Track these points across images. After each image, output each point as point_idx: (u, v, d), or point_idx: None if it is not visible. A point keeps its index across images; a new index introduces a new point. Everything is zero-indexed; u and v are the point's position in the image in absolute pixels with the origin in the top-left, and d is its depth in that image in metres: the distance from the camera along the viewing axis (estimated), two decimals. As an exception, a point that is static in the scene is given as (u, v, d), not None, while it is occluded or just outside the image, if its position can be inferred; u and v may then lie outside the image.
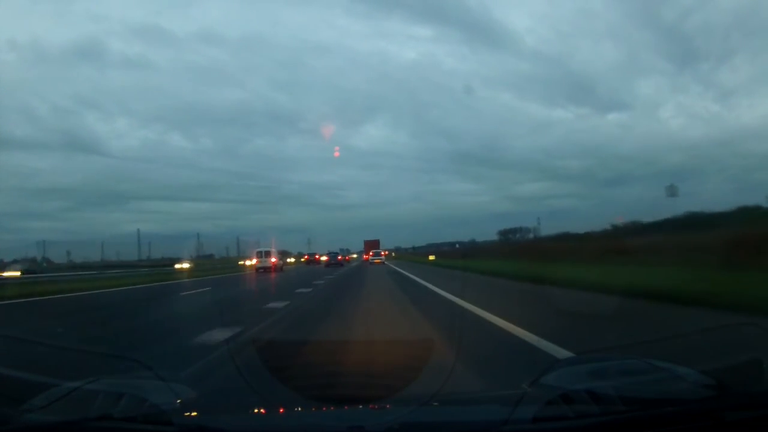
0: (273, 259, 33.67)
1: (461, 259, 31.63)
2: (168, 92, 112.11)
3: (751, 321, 2.55)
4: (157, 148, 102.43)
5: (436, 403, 1.79)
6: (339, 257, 44.23)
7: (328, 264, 38.82)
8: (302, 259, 55.22)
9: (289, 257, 54.17)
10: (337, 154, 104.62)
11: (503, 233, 71.29)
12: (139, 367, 2.04)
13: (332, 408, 1.98)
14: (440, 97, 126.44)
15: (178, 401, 1.61)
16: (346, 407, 1.96)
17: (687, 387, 1.52)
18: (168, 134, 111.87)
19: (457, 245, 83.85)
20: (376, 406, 1.87)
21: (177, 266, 32.31)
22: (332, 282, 17.40)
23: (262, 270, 31.88)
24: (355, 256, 71.42)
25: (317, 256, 50.33)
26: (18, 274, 23.26)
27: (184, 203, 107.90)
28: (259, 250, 35.50)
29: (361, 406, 1.94)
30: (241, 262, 40.64)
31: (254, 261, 34.56)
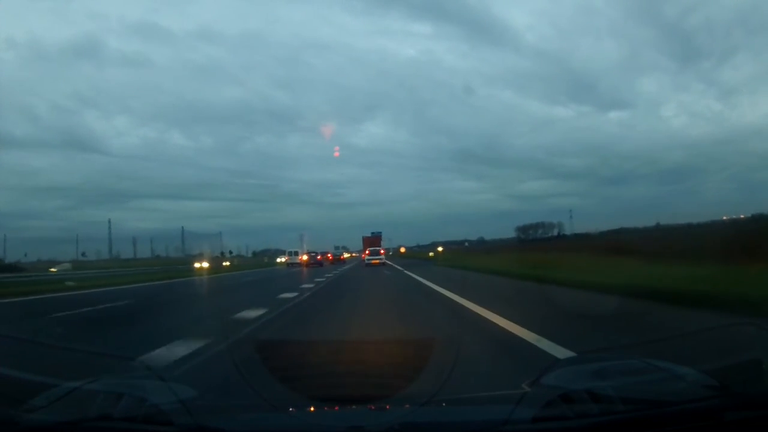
0: (303, 257, 43.50)
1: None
2: (167, 90, 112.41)
3: (751, 321, 2.55)
4: (157, 147, 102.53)
5: (436, 403, 1.79)
6: (319, 257, 44.90)
7: (308, 264, 39.77)
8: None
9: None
10: (336, 154, 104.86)
11: (522, 230, 70.13)
12: (139, 367, 2.04)
13: (332, 408, 1.98)
14: (440, 95, 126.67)
15: (178, 401, 1.61)
16: (346, 407, 1.95)
17: (687, 387, 1.53)
18: (168, 132, 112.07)
19: (467, 243, 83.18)
20: (376, 406, 1.87)
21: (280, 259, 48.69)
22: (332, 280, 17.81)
23: (291, 265, 40.76)
24: (350, 255, 70.11)
25: (320, 257, 51.70)
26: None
27: (185, 201, 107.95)
28: (290, 250, 45.92)
29: (360, 406, 1.93)
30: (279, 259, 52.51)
31: (286, 258, 44.64)
